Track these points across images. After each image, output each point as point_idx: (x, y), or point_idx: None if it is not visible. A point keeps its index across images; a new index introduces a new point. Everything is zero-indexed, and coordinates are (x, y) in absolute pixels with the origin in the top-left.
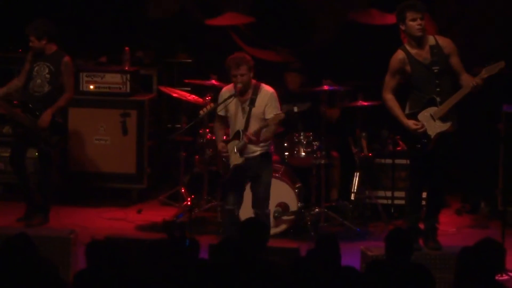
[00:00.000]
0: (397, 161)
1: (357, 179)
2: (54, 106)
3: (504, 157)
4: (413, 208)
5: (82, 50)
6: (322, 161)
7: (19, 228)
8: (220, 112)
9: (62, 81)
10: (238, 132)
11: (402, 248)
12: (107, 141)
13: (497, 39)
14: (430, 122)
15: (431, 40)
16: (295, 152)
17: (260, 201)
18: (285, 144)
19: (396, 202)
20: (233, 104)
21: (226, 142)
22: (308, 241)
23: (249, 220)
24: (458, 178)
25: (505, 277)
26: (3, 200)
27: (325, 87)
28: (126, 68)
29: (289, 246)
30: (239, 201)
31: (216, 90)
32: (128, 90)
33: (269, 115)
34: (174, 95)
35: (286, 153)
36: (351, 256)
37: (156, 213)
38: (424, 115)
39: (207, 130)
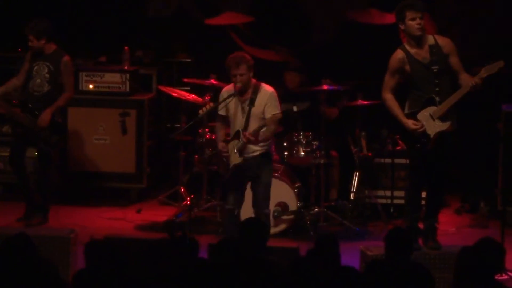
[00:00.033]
0: (397, 160)
1: (356, 178)
2: (54, 106)
3: (503, 156)
4: (413, 207)
5: (82, 49)
6: (322, 161)
7: (18, 228)
8: (221, 111)
9: (62, 80)
10: (238, 132)
11: (401, 248)
12: (106, 141)
13: (496, 38)
14: (430, 122)
15: (430, 39)
16: (295, 151)
17: (260, 201)
18: (285, 144)
19: (395, 201)
20: (233, 104)
21: (227, 142)
22: (308, 241)
23: (248, 220)
24: (457, 177)
25: (504, 276)
26: (2, 200)
27: (325, 87)
28: (126, 67)
29: (289, 245)
30: (239, 201)
31: (216, 90)
32: (128, 89)
33: (269, 114)
34: (174, 94)
35: (286, 153)
36: (350, 256)
37: (156, 213)
38: (424, 115)
39: (207, 130)
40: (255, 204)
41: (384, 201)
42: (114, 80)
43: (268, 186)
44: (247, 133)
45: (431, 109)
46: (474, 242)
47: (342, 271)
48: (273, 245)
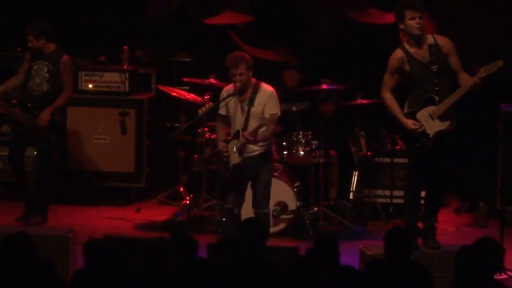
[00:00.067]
0: (396, 160)
1: (356, 178)
2: (53, 105)
3: (503, 156)
4: (412, 207)
5: (81, 49)
6: (321, 160)
7: (18, 227)
8: (222, 111)
9: (61, 80)
10: (238, 132)
11: (401, 247)
12: (106, 140)
13: (496, 38)
14: (429, 121)
15: (430, 39)
16: (294, 151)
17: (260, 200)
18: (284, 143)
19: (395, 201)
20: (233, 104)
21: (227, 141)
22: (307, 240)
23: (248, 220)
24: (457, 177)
25: (503, 276)
26: (1, 199)
27: (324, 86)
28: (125, 67)
29: (288, 245)
30: (239, 200)
31: (215, 89)
32: (127, 89)
33: (267, 114)
34: (173, 94)
35: (285, 152)
36: (350, 255)
37: (155, 212)
38: (423, 114)
39: (206, 129)
40: (255, 204)
41: (383, 200)
42: (113, 79)
43: (268, 185)
44: (245, 133)
45: (431, 109)
46: (473, 242)
47: (341, 270)
48: (273, 245)
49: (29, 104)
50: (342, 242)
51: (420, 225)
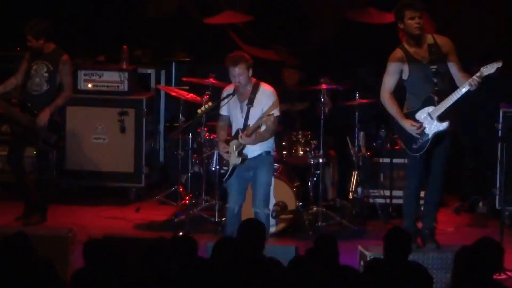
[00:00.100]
0: (395, 160)
1: (355, 178)
2: (52, 105)
3: (502, 156)
4: (411, 207)
5: (81, 48)
6: (320, 160)
7: (17, 227)
8: (223, 111)
9: (61, 79)
10: (237, 132)
11: (400, 247)
12: (105, 140)
13: (495, 38)
14: (428, 121)
15: (429, 39)
16: (293, 151)
17: (260, 200)
18: (283, 143)
19: (394, 201)
20: (233, 103)
21: (228, 141)
22: (306, 240)
23: (247, 221)
24: (456, 177)
25: (503, 276)
26: (1, 199)
27: (323, 86)
28: (124, 66)
29: (288, 245)
30: (240, 200)
31: (214, 89)
32: (126, 88)
33: (266, 114)
34: (173, 93)
35: (284, 152)
36: (349, 255)
37: (154, 212)
38: (422, 114)
39: (205, 129)
40: (255, 204)
41: (382, 200)
42: (112, 79)
43: (267, 186)
44: (243, 133)
45: (430, 109)
46: (473, 242)
47: (341, 270)
48: (272, 244)
49: (28, 104)
50: (342, 242)
51: (419, 225)
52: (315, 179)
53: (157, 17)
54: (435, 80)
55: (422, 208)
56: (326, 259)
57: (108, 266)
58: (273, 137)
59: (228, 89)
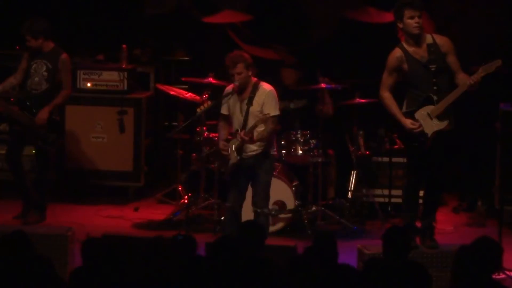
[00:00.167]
0: (394, 159)
1: (354, 177)
2: (52, 104)
3: (501, 155)
4: (410, 206)
5: (80, 47)
6: (319, 159)
7: (16, 226)
8: (223, 111)
9: (60, 78)
10: (237, 131)
11: (399, 247)
12: (104, 139)
13: (494, 37)
14: (427, 121)
15: (428, 38)
16: (292, 150)
17: (259, 200)
18: (282, 142)
19: (393, 200)
20: (233, 103)
21: (228, 141)
22: (305, 239)
23: (247, 223)
24: (455, 176)
25: (502, 275)
26: None
27: (322, 85)
28: (124, 65)
29: (286, 244)
30: (239, 200)
31: (214, 88)
32: (126, 88)
33: (265, 113)
34: (172, 93)
35: (283, 151)
36: (348, 254)
37: (153, 211)
38: (421, 114)
39: (204, 128)
40: (254, 203)
41: (381, 199)
42: (112, 78)
43: (266, 185)
44: (241, 133)
45: (429, 108)
46: (472, 241)
47: (339, 269)
48: (271, 244)
49: (27, 103)
50: (340, 241)
51: (418, 224)
52: (314, 178)
53: (156, 16)
54: (434, 80)
55: (421, 207)
56: (325, 258)
57: (106, 265)
58: (273, 137)
59: (228, 89)
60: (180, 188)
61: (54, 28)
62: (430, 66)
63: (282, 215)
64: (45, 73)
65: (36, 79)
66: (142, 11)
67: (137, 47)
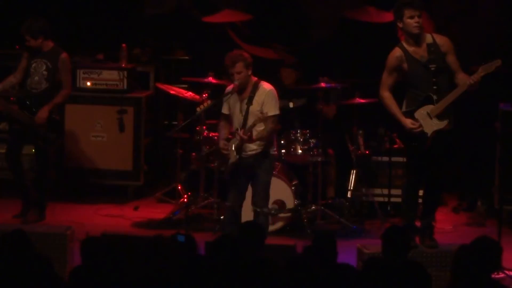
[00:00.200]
0: (394, 158)
1: (353, 176)
2: (51, 103)
3: (500, 155)
4: (410, 206)
5: (79, 47)
6: (319, 159)
7: (15, 225)
8: (224, 110)
9: (60, 78)
10: (237, 130)
11: (398, 246)
12: (103, 138)
13: (494, 37)
14: (427, 120)
15: (428, 38)
16: (292, 149)
17: (259, 199)
18: (282, 142)
19: (392, 199)
20: (233, 102)
21: (229, 140)
22: (305, 239)
23: (246, 223)
24: (455, 176)
25: (501, 275)
26: None
27: (322, 85)
28: (123, 65)
29: (286, 243)
30: (239, 199)
31: (213, 88)
32: (125, 87)
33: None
34: (171, 92)
35: (283, 151)
36: (347, 254)
37: (153, 210)
38: (421, 113)
39: (204, 127)
40: (253, 203)
41: (381, 199)
42: (111, 77)
43: (266, 185)
44: (240, 132)
45: (429, 108)
46: (471, 241)
47: (339, 268)
48: (270, 243)
49: (27, 102)
50: (340, 240)
51: (418, 223)
52: (313, 177)
53: (156, 16)
54: (434, 79)
55: (420, 207)
56: (324, 258)
57: (106, 264)
58: (274, 136)
59: (230, 89)
60: (179, 187)
61: (54, 28)
62: (430, 66)
63: (281, 215)
64: (45, 72)
65: (36, 78)
66: (142, 11)
67: (137, 47)
